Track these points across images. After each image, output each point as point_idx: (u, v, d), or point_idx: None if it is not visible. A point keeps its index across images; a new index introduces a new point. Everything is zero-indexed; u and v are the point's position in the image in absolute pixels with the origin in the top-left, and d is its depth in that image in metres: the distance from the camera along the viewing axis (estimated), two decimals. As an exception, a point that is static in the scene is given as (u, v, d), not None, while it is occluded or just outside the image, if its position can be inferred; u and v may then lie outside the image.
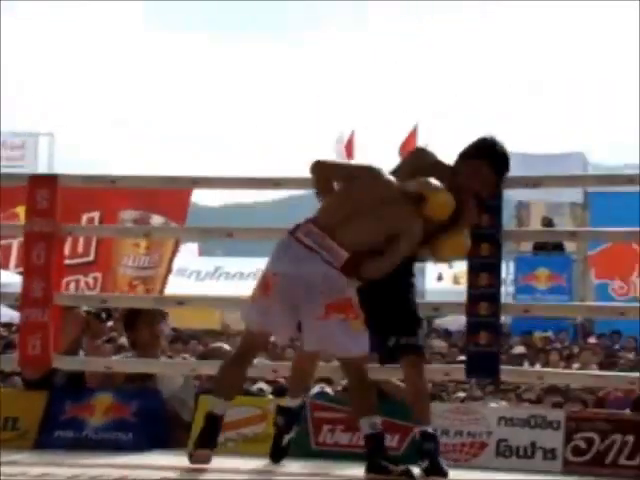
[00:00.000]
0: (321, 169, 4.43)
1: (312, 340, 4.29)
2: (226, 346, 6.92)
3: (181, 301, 5.50)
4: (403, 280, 4.53)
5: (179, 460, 4.61)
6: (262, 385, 6.24)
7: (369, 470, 4.18)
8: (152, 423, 5.03)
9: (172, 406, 5.45)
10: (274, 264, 4.28)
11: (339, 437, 4.89)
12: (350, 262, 4.21)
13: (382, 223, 4.23)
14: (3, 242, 24.78)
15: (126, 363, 5.43)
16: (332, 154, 24.00)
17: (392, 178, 4.35)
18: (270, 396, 5.96)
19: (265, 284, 4.25)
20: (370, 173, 4.32)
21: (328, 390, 7.24)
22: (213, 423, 4.32)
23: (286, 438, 4.57)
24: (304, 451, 4.80)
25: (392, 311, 4.47)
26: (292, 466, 4.41)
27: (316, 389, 7.14)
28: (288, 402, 4.66)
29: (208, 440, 4.30)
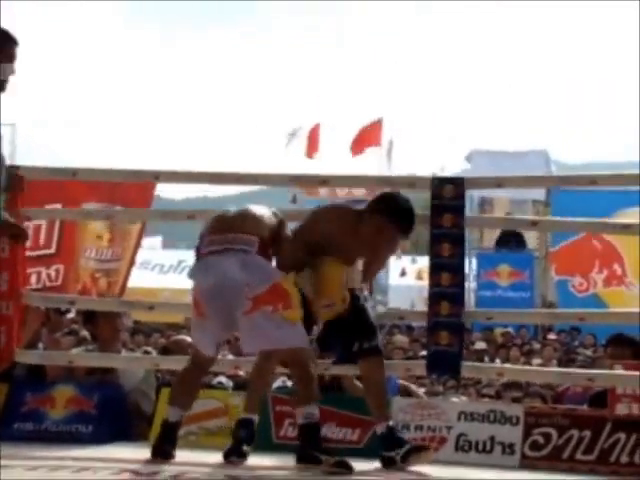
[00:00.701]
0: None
1: (245, 340, 4.32)
2: (188, 338, 6.90)
3: (151, 306, 5.46)
4: (354, 294, 4.60)
5: (140, 452, 4.60)
6: (222, 379, 6.23)
7: (299, 460, 4.20)
8: (113, 416, 5.02)
9: (133, 398, 5.44)
10: (196, 284, 4.34)
11: (300, 431, 4.89)
12: (265, 245, 4.29)
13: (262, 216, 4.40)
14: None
15: (88, 357, 5.41)
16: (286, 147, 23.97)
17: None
18: (230, 390, 5.95)
19: (196, 305, 4.32)
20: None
21: (289, 384, 7.25)
22: (170, 431, 4.37)
23: (245, 448, 4.43)
24: (266, 444, 4.81)
25: (351, 320, 4.54)
26: (254, 459, 4.41)
27: (278, 383, 7.15)
28: (247, 415, 4.52)
29: (164, 448, 4.33)
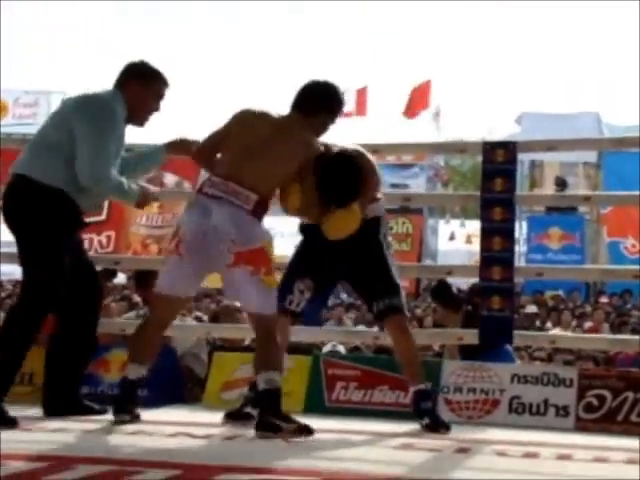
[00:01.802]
0: (200, 153, 4.44)
1: (227, 289, 4.32)
2: (237, 303, 6.94)
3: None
4: (374, 240, 4.49)
5: (193, 415, 4.65)
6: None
7: (258, 427, 3.99)
8: (166, 379, 5.07)
9: (186, 362, 5.50)
10: (183, 222, 4.22)
11: (352, 394, 4.92)
12: (262, 205, 4.17)
13: (280, 161, 4.21)
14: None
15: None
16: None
17: (266, 113, 4.30)
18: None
19: (176, 243, 4.19)
20: (241, 119, 4.31)
21: (340, 348, 7.28)
22: (130, 388, 4.30)
23: (249, 409, 4.39)
24: (318, 408, 4.83)
25: (370, 276, 4.44)
26: (307, 422, 4.43)
27: (328, 347, 7.18)
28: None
29: (124, 406, 4.27)
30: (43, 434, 3.93)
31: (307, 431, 3.96)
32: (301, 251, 4.63)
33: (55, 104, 23.68)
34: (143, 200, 4.58)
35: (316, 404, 4.89)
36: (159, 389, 4.98)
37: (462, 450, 3.81)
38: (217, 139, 4.35)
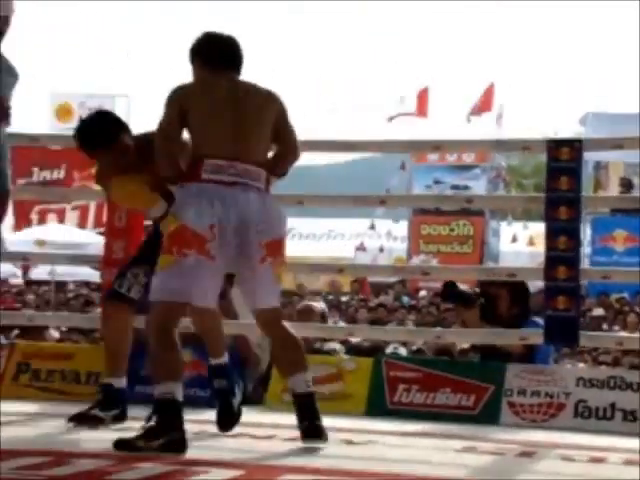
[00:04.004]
0: (172, 140, 3.76)
1: (246, 293, 3.83)
2: (315, 304, 6.96)
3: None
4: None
5: (256, 416, 4.67)
6: (335, 345, 6.26)
7: (308, 433, 3.66)
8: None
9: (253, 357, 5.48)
10: (197, 218, 3.56)
11: (414, 396, 4.89)
12: (268, 179, 3.77)
13: (263, 123, 3.76)
14: (81, 202, 25.27)
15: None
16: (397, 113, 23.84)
17: (207, 80, 3.83)
18: (343, 355, 5.98)
19: (198, 244, 3.54)
20: (187, 94, 3.74)
21: (402, 350, 7.25)
22: (174, 409, 3.54)
23: (235, 401, 4.11)
24: (380, 410, 4.82)
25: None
26: (368, 424, 4.42)
27: (389, 349, 7.16)
28: (214, 361, 4.22)
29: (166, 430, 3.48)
30: (105, 433, 3.97)
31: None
32: (147, 240, 4.42)
33: (119, 108, 24.03)
34: None
35: (378, 406, 4.88)
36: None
37: (526, 454, 3.76)
38: (175, 122, 3.71)
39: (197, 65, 3.89)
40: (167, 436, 3.42)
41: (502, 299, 5.36)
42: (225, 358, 4.20)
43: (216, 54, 3.84)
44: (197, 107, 3.69)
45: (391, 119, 23.36)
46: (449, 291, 5.61)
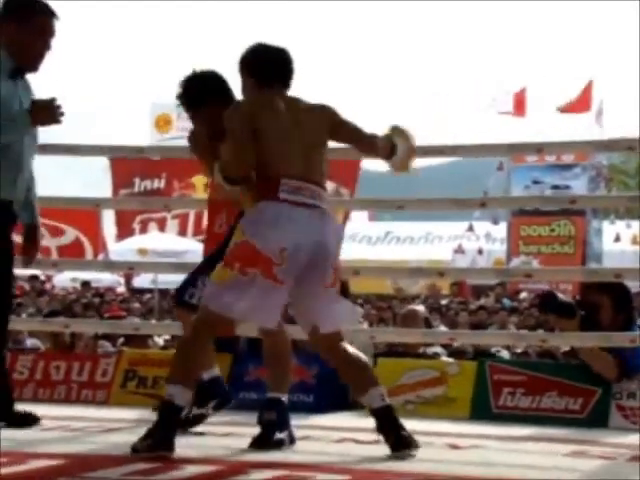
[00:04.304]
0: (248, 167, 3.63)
1: (300, 308, 3.70)
2: (420, 308, 6.94)
3: (357, 271, 5.48)
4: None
5: (359, 421, 4.67)
6: (437, 349, 6.22)
7: (397, 446, 3.55)
8: (333, 385, 5.10)
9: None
10: (268, 238, 3.49)
11: (520, 400, 4.82)
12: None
13: (323, 141, 3.73)
14: (181, 211, 25.73)
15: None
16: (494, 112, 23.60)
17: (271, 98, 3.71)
18: (446, 358, 5.94)
19: (265, 265, 3.47)
20: (252, 110, 3.64)
21: (504, 353, 7.18)
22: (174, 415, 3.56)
23: (278, 436, 3.83)
24: (485, 414, 4.77)
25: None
26: (474, 429, 4.38)
27: (492, 351, 7.10)
28: (273, 394, 3.98)
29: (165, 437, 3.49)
30: (214, 438, 4.02)
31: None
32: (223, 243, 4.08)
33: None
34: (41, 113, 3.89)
35: (483, 410, 4.82)
36: (325, 395, 5.03)
37: (638, 458, 3.67)
38: (248, 142, 3.59)
39: (247, 78, 3.79)
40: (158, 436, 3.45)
41: (604, 308, 4.97)
42: (285, 397, 3.96)
43: (271, 69, 3.74)
44: (266, 125, 3.60)
45: (489, 117, 23.18)
46: (548, 302, 5.43)
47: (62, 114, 3.92)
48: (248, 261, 3.48)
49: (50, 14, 3.98)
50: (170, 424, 3.50)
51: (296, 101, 3.75)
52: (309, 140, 3.65)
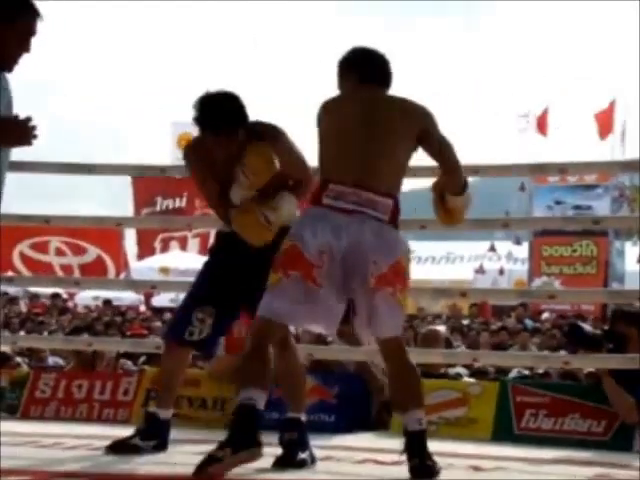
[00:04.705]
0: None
1: (363, 322, 3.56)
2: (439, 327, 6.91)
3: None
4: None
5: (380, 442, 4.65)
6: (459, 369, 6.19)
7: (418, 474, 3.47)
8: (354, 405, 5.10)
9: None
10: (309, 241, 3.49)
11: (542, 422, 4.80)
12: (397, 209, 3.59)
13: (397, 140, 3.61)
14: (202, 230, 25.80)
15: (323, 350, 5.44)
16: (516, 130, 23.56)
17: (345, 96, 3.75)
18: (468, 379, 5.91)
19: (306, 269, 3.47)
20: (324, 114, 3.69)
21: (526, 373, 7.12)
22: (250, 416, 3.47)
23: (301, 456, 3.83)
24: (507, 435, 4.74)
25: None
26: (496, 450, 4.36)
27: (513, 373, 7.05)
28: (292, 414, 3.99)
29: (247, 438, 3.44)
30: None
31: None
32: (204, 273, 4.17)
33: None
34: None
35: (505, 431, 4.80)
36: (347, 415, 5.02)
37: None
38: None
39: (345, 79, 3.78)
40: (245, 445, 3.38)
41: (632, 340, 4.80)
42: (304, 417, 3.98)
43: (367, 69, 3.72)
44: (327, 124, 3.64)
45: (511, 136, 23.17)
46: (575, 335, 5.32)
47: (35, 136, 3.53)
48: (290, 263, 3.50)
49: (35, 15, 3.73)
50: (254, 429, 3.43)
51: (388, 101, 3.68)
52: (379, 143, 3.56)
